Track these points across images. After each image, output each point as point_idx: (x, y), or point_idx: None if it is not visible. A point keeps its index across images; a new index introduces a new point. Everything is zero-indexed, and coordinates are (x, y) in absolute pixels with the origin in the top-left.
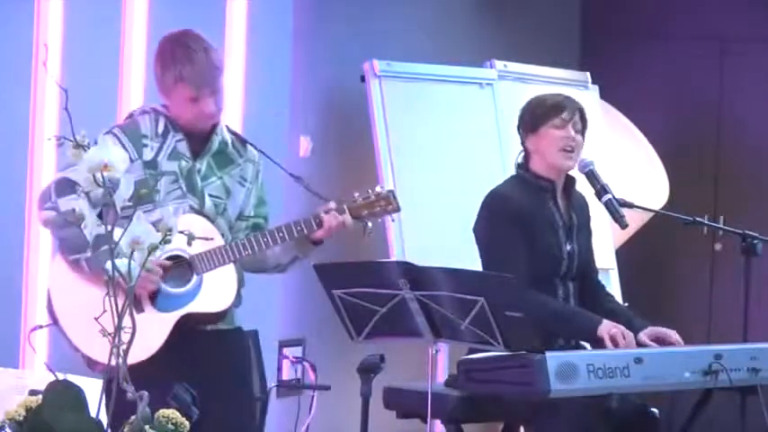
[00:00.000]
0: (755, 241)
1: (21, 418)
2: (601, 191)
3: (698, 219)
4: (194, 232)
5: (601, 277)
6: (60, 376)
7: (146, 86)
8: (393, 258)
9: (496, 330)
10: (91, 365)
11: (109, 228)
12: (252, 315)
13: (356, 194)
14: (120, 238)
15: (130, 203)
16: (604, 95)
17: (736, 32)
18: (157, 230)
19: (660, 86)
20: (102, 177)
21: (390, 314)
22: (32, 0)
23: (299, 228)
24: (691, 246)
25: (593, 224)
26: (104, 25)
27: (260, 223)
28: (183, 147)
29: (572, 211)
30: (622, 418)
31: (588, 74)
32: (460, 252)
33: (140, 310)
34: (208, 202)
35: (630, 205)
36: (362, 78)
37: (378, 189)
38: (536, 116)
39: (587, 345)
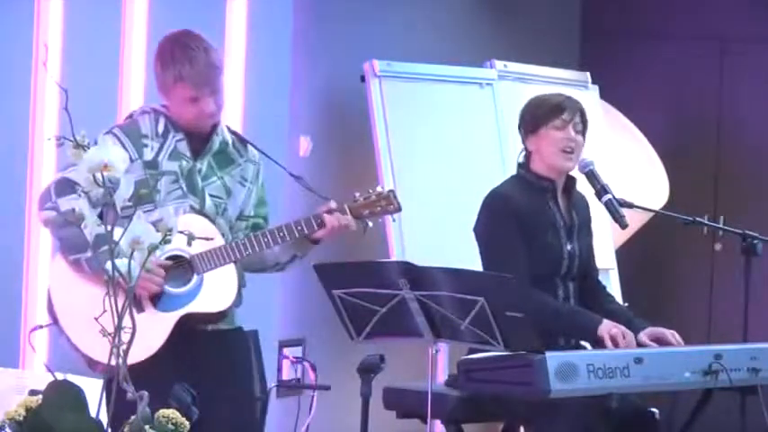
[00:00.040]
0: (755, 241)
1: (21, 418)
2: (601, 191)
3: (698, 219)
4: (194, 232)
5: (601, 277)
6: (60, 376)
7: (146, 86)
8: (393, 258)
9: (496, 330)
10: (91, 365)
11: (109, 228)
12: (252, 315)
13: (357, 194)
14: (120, 238)
15: (130, 203)
16: (604, 95)
17: (736, 32)
18: (157, 230)
19: (660, 86)
20: (102, 177)
21: (390, 314)
22: (32, 0)
23: (299, 227)
24: (691, 246)
25: (593, 224)
26: (104, 25)
27: (260, 223)
28: (184, 147)
29: (573, 211)
30: (622, 418)
31: (588, 74)
32: (460, 252)
33: (141, 309)
34: (208, 202)
35: (630, 205)
36: (362, 78)
37: (378, 189)
38: (536, 117)
39: (587, 345)
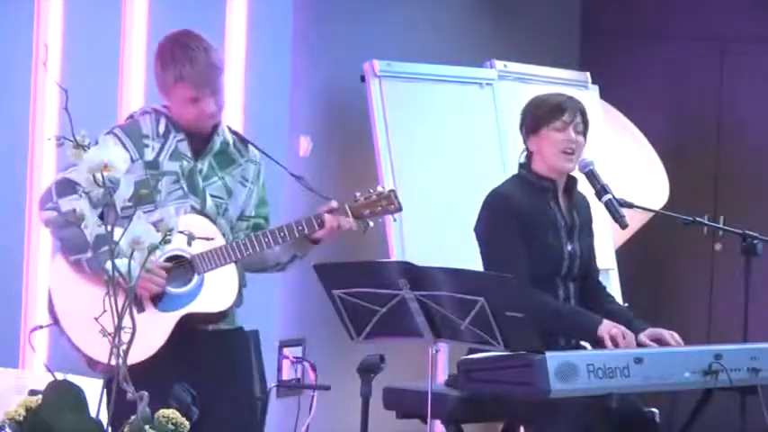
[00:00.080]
0: (755, 241)
1: (21, 418)
2: (601, 191)
3: (698, 219)
4: (195, 232)
5: (601, 277)
6: (60, 376)
7: (146, 86)
8: (393, 258)
9: (496, 330)
10: (91, 365)
11: (109, 228)
12: (252, 315)
13: (358, 194)
14: (120, 239)
15: (130, 204)
16: (604, 95)
17: (736, 32)
18: (158, 230)
19: (660, 86)
20: (103, 177)
21: (390, 314)
22: (32, 0)
23: (300, 227)
24: (691, 246)
25: (594, 224)
26: (104, 25)
27: (260, 223)
28: (185, 147)
29: (574, 211)
30: (622, 418)
31: (588, 74)
32: (460, 252)
33: (141, 309)
34: (209, 202)
35: (630, 205)
36: (362, 78)
37: (379, 189)
38: (537, 117)
39: (587, 345)
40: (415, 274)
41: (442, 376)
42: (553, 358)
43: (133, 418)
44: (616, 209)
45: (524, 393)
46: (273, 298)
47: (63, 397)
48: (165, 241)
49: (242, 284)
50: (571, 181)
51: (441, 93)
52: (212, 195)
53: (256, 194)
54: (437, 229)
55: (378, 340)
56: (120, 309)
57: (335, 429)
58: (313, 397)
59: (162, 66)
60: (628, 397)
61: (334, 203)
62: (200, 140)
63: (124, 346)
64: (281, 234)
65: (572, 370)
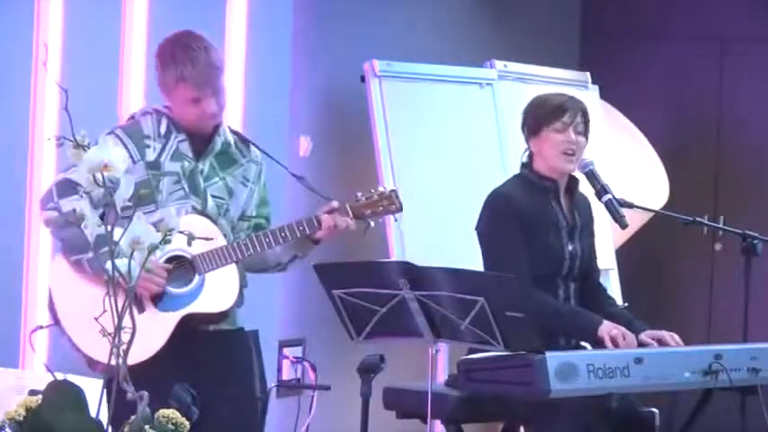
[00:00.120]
0: (755, 241)
1: (21, 418)
2: (601, 191)
3: (698, 219)
4: (196, 233)
5: (601, 277)
6: (60, 376)
7: (146, 86)
8: (393, 258)
9: (496, 330)
10: (91, 365)
11: (109, 228)
12: (252, 315)
13: (359, 194)
14: (120, 239)
15: (130, 204)
16: (604, 95)
17: (736, 32)
18: (158, 231)
19: (660, 86)
20: (103, 177)
21: (390, 314)
22: (32, 0)
23: (300, 228)
24: (691, 246)
25: (594, 225)
26: (104, 25)
27: (261, 223)
28: (186, 147)
29: (575, 211)
30: (622, 418)
31: (588, 74)
32: (460, 252)
33: (142, 309)
34: (210, 202)
35: (630, 205)
36: (362, 78)
37: (380, 189)
38: (537, 118)
39: (587, 345)
40: (415, 274)
41: (442, 376)
42: (553, 358)
43: (133, 418)
44: (616, 209)
45: (524, 393)
46: (273, 298)
47: (63, 397)
48: (165, 241)
49: (243, 285)
50: (573, 181)
51: (441, 93)
52: (213, 196)
53: (257, 195)
54: (437, 229)
55: (378, 340)
56: (120, 309)
57: (335, 429)
58: (313, 397)
59: (163, 66)
60: (628, 397)
61: (334, 203)
62: (202, 141)
63: (124, 346)
64: (282, 234)
65: (572, 370)
